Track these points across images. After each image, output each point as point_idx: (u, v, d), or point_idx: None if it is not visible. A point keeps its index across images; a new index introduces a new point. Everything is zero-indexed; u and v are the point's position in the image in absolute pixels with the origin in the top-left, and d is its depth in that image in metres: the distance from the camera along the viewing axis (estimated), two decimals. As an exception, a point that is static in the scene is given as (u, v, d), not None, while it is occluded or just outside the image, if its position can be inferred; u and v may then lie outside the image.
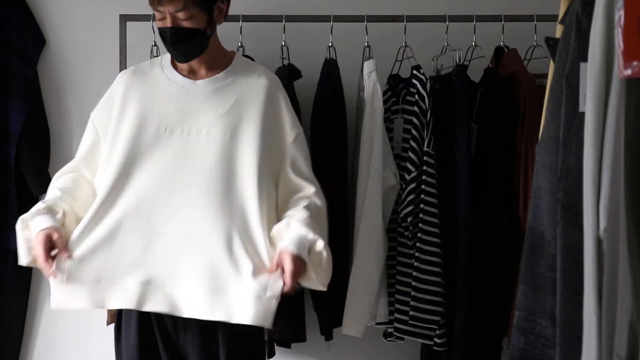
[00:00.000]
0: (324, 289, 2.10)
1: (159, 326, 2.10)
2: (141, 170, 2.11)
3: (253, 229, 2.07)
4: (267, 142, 2.13)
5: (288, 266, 1.97)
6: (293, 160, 2.18)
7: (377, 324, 2.64)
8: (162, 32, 2.13)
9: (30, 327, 3.02)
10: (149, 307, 2.04)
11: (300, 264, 1.99)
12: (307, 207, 2.09)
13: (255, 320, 1.99)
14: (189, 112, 2.15)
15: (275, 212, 2.15)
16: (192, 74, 2.20)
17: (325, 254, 2.03)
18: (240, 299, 2.00)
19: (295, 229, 2.03)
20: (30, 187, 2.87)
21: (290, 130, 2.20)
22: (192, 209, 2.08)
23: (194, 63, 2.19)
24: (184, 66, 2.20)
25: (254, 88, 2.18)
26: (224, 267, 2.03)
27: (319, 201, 2.15)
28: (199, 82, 2.19)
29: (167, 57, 2.25)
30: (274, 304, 1.99)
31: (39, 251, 2.00)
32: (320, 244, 2.02)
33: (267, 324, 2.01)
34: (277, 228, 2.08)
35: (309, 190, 2.15)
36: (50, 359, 3.04)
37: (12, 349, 2.98)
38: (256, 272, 2.02)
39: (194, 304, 2.02)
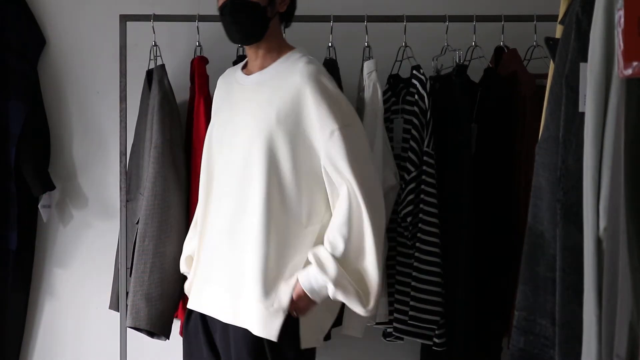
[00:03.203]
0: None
1: (203, 325, 2.19)
2: (216, 177, 2.20)
3: (259, 242, 2.05)
4: (282, 149, 2.05)
5: (295, 297, 2.02)
6: (329, 158, 2.03)
7: (377, 324, 2.63)
8: (222, 9, 2.11)
9: (30, 327, 3.03)
10: (191, 305, 2.21)
11: (306, 300, 2.03)
12: (336, 230, 2.02)
13: (258, 330, 2.03)
14: (235, 109, 2.18)
15: (319, 214, 2.10)
16: (249, 71, 2.21)
17: (338, 295, 2.00)
18: (249, 306, 2.05)
19: (310, 270, 2.02)
20: (30, 187, 2.87)
21: (322, 128, 2.03)
22: (222, 218, 2.14)
23: (251, 54, 2.18)
24: (249, 62, 2.22)
25: (284, 87, 2.08)
26: (241, 273, 2.08)
27: (352, 202, 2.01)
28: (249, 77, 2.19)
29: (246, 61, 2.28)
30: (280, 317, 2.02)
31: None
32: (330, 290, 2.00)
33: (271, 335, 2.03)
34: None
35: (342, 191, 2.03)
36: (50, 359, 3.04)
37: (12, 349, 2.98)
38: (266, 284, 2.04)
39: (216, 306, 2.12)
